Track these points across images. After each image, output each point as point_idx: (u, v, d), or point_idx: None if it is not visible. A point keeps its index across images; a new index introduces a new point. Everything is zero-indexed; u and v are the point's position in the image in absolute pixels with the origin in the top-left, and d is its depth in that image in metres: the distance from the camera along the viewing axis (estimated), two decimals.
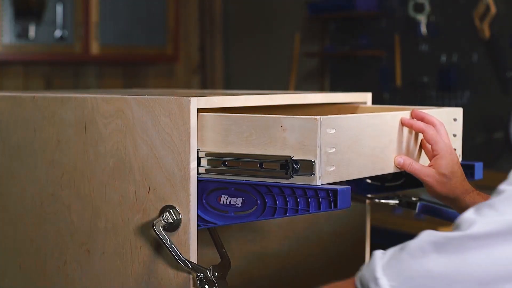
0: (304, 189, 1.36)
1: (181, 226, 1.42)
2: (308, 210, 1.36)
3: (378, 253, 1.15)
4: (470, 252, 1.06)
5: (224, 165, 1.43)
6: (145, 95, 1.50)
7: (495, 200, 1.07)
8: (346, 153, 1.42)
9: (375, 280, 1.11)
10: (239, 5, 5.51)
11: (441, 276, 1.07)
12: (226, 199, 1.43)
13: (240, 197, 1.42)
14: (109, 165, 1.51)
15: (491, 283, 1.05)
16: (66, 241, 1.58)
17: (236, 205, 1.42)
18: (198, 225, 1.44)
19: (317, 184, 1.35)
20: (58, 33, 4.66)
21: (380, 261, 1.13)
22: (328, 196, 1.34)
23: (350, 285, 1.17)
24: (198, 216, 1.43)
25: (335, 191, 1.34)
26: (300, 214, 1.38)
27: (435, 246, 1.09)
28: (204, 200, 1.44)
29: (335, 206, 1.34)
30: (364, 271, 1.14)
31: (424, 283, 1.08)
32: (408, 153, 1.60)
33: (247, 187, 1.41)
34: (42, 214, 1.61)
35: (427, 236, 1.11)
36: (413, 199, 1.84)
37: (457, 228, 1.09)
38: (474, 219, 1.07)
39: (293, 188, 1.37)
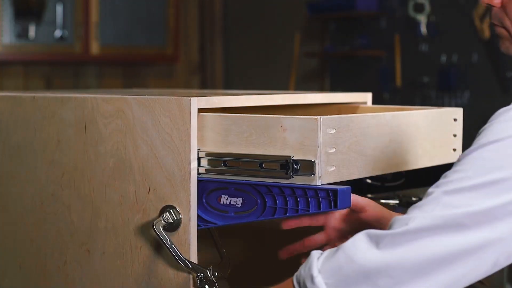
0: (304, 189, 1.36)
1: (181, 226, 1.42)
2: (308, 210, 1.36)
3: (315, 253, 1.20)
4: (401, 246, 1.12)
5: (224, 165, 1.43)
6: (145, 95, 1.50)
7: (423, 201, 1.15)
8: (346, 153, 1.42)
9: (312, 278, 1.16)
10: (239, 5, 5.51)
11: (374, 270, 1.12)
12: (226, 199, 1.43)
13: (240, 197, 1.42)
14: (109, 165, 1.51)
15: (422, 273, 1.11)
16: (66, 241, 1.58)
17: (236, 205, 1.42)
18: (198, 225, 1.44)
19: (317, 184, 1.35)
20: (58, 33, 4.66)
21: (316, 260, 1.18)
22: (328, 196, 1.34)
23: (288, 284, 1.22)
24: (198, 216, 1.43)
25: (335, 191, 1.34)
26: (301, 214, 1.38)
27: (369, 243, 1.14)
28: (204, 200, 1.44)
29: (335, 206, 1.34)
30: (301, 270, 1.20)
31: (358, 279, 1.14)
32: (408, 153, 1.60)
33: (247, 187, 1.41)
34: (42, 214, 1.61)
35: (361, 234, 1.16)
36: (413, 199, 1.84)
37: (390, 227, 1.15)
38: (405, 218, 1.14)
39: (293, 188, 1.37)
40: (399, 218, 1.15)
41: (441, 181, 1.16)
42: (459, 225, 1.11)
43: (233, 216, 1.43)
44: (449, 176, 1.15)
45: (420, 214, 1.13)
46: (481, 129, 1.17)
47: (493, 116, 1.18)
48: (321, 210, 1.35)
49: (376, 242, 1.14)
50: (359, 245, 1.15)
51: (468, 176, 1.12)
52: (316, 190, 1.35)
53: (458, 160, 1.16)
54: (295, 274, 1.21)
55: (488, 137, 1.14)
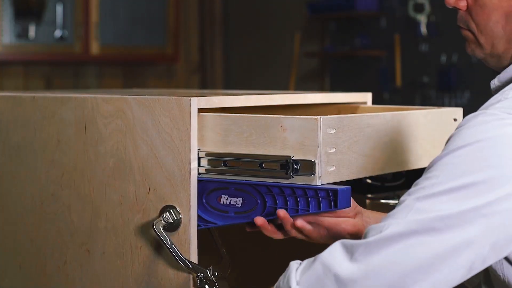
0: (304, 189, 1.36)
1: (181, 226, 1.42)
2: (308, 210, 1.36)
3: (294, 263, 1.21)
4: (376, 254, 1.13)
5: (224, 165, 1.43)
6: (145, 95, 1.50)
7: (396, 209, 1.16)
8: (346, 153, 1.42)
9: None
10: (239, 5, 5.51)
11: (350, 281, 1.13)
12: (226, 199, 1.43)
13: (240, 197, 1.42)
14: (109, 165, 1.51)
15: (399, 283, 1.12)
16: (66, 241, 1.58)
17: (236, 205, 1.42)
18: (198, 225, 1.44)
19: (317, 184, 1.35)
20: (58, 33, 4.66)
21: (295, 272, 1.19)
22: (328, 196, 1.34)
23: None
24: (198, 216, 1.43)
25: (335, 191, 1.34)
26: (301, 214, 1.38)
27: (344, 253, 1.15)
28: (204, 200, 1.44)
29: (335, 206, 1.34)
30: (280, 281, 1.21)
31: None
32: (408, 153, 1.60)
33: (247, 187, 1.41)
34: (42, 214, 1.61)
35: (337, 244, 1.17)
36: None
37: (365, 236, 1.16)
38: (379, 226, 1.15)
39: (293, 188, 1.37)
40: (373, 227, 1.16)
41: (412, 189, 1.17)
42: (432, 229, 1.11)
43: (233, 216, 1.43)
44: (421, 183, 1.16)
45: (393, 221, 1.14)
46: (450, 135, 1.19)
47: (461, 122, 1.20)
48: (321, 210, 1.35)
49: (351, 252, 1.15)
50: (335, 255, 1.16)
51: (439, 181, 1.13)
52: (316, 190, 1.35)
53: (429, 167, 1.17)
54: (275, 285, 1.22)
55: (457, 143, 1.15)
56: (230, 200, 1.43)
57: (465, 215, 1.11)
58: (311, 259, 1.19)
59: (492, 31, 1.27)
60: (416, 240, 1.12)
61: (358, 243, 1.15)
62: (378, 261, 1.12)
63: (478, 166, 1.12)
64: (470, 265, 1.13)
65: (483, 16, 1.27)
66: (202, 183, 1.43)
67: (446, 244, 1.11)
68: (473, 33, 1.29)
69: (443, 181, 1.13)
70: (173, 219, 1.41)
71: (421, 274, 1.12)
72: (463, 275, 1.13)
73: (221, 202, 1.43)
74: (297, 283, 1.18)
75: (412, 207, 1.14)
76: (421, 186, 1.15)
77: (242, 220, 1.43)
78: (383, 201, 1.87)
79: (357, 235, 1.42)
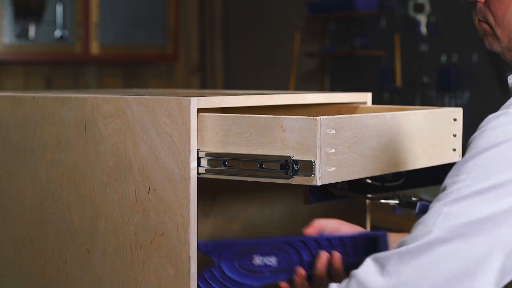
0: (342, 238, 1.37)
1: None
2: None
3: (333, 285, 1.22)
4: (407, 264, 1.12)
5: (224, 165, 1.43)
6: (145, 95, 1.50)
7: (425, 216, 1.15)
8: (346, 153, 1.42)
9: None
10: (239, 5, 5.51)
11: None
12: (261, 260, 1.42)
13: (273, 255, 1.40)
14: (109, 165, 1.51)
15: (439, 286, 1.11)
16: (66, 241, 1.58)
17: (272, 265, 1.41)
18: None
19: (317, 184, 1.35)
20: (58, 33, 4.66)
21: None
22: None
23: None
24: (234, 280, 1.42)
25: (375, 238, 1.38)
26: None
27: (376, 267, 1.15)
28: (236, 264, 1.42)
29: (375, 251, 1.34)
30: None
31: None
32: (408, 153, 1.60)
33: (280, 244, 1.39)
34: (42, 214, 1.61)
35: (369, 260, 1.17)
36: (413, 199, 1.84)
37: (397, 247, 1.15)
38: (410, 237, 1.14)
39: (329, 240, 1.38)
40: (405, 239, 1.15)
41: (440, 194, 1.16)
42: (462, 235, 1.11)
43: (269, 275, 1.41)
44: (448, 187, 1.15)
45: (423, 230, 1.13)
46: (472, 137, 1.18)
47: (483, 123, 1.18)
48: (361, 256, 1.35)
49: (383, 265, 1.14)
50: (368, 271, 1.16)
51: (466, 185, 1.13)
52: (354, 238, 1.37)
53: (454, 170, 1.16)
54: None
55: (482, 144, 1.14)
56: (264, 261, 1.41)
57: (494, 218, 1.10)
58: (347, 279, 1.19)
59: (509, 24, 1.27)
60: (447, 248, 1.11)
61: (390, 254, 1.14)
62: (410, 272, 1.12)
63: (505, 167, 1.11)
64: (503, 268, 1.11)
65: (501, 9, 1.27)
66: (234, 247, 1.42)
67: (478, 249, 1.10)
68: (490, 26, 1.30)
69: (471, 184, 1.13)
70: None
71: (453, 283, 1.10)
72: (496, 281, 1.11)
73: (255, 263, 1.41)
74: None
75: (441, 213, 1.13)
76: (449, 191, 1.14)
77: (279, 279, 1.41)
78: (383, 201, 1.87)
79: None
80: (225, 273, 1.41)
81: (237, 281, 1.42)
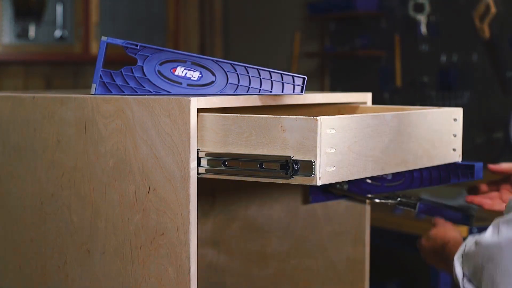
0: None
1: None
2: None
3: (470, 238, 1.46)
4: None
5: (224, 165, 1.43)
6: (145, 95, 1.50)
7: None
8: (346, 153, 1.42)
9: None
10: (239, 5, 5.51)
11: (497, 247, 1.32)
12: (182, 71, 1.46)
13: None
14: (109, 165, 1.51)
15: None
16: (66, 241, 1.58)
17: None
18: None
19: (317, 184, 1.35)
20: (58, 33, 4.67)
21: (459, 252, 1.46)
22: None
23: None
24: (150, 82, 1.46)
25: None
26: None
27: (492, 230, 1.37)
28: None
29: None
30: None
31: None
32: (408, 153, 1.60)
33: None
34: (42, 214, 1.61)
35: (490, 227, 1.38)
36: (413, 199, 1.84)
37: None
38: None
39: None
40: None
41: None
42: None
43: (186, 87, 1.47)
44: None
45: None
46: None
47: None
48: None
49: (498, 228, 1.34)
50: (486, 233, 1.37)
51: None
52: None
53: None
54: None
55: None
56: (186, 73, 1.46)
57: None
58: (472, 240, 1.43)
59: None
60: None
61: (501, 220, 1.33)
62: None
63: None
64: None
65: None
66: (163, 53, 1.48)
67: None
68: None
69: None
70: None
71: None
72: None
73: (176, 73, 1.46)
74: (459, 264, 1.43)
75: None
76: None
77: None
78: (383, 201, 1.87)
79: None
80: (144, 74, 1.47)
81: (154, 84, 1.47)
